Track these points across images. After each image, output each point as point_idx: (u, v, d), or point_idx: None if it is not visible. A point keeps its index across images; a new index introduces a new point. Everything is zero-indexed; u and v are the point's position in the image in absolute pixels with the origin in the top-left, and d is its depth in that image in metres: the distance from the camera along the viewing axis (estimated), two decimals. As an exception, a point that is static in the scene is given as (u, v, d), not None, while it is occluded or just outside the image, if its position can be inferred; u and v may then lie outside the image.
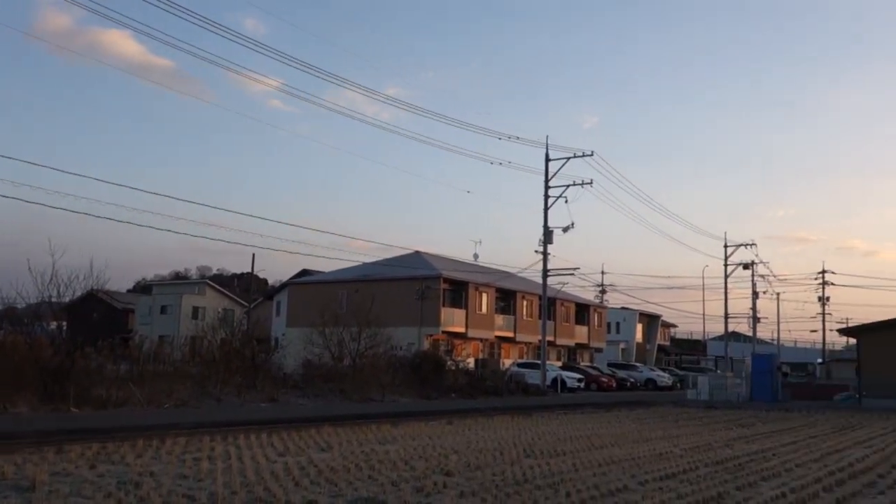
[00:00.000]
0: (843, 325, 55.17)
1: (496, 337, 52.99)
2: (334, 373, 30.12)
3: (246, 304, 57.56)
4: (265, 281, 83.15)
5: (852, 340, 42.48)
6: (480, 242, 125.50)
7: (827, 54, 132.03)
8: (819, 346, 77.07)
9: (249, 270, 55.93)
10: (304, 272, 59.16)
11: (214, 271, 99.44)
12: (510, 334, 53.92)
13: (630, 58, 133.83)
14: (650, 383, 52.13)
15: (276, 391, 25.56)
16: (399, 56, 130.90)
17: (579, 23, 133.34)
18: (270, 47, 60.72)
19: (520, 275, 48.86)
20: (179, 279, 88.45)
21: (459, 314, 49.13)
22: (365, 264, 47.56)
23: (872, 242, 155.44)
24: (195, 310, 62.12)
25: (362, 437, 15.48)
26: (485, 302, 51.55)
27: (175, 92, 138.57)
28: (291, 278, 59.83)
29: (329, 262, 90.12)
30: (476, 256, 54.22)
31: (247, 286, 61.28)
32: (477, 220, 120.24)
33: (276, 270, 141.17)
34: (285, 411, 21.75)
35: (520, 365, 44.35)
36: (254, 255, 50.91)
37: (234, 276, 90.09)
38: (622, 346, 70.29)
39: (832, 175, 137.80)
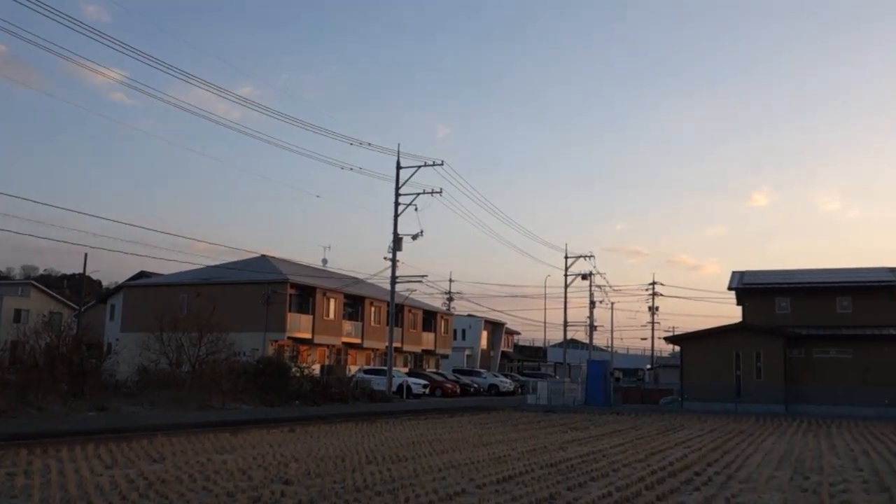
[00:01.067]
0: (670, 334, 58.99)
1: (343, 343, 52.64)
2: (172, 379, 28.87)
3: (76, 306, 54.05)
4: (99, 283, 78.53)
5: (677, 348, 45.44)
6: (330, 248, 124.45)
7: (667, 79, 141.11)
8: (649, 352, 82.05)
9: (81, 271, 52.60)
10: (142, 274, 56.33)
11: (41, 271, 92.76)
12: (358, 340, 53.73)
13: (483, 70, 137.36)
14: (493, 389, 53.51)
15: (106, 399, 24.15)
16: (252, 56, 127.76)
17: (434, 32, 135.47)
18: (111, 36, 57.45)
19: (369, 281, 48.81)
20: (0, 279, 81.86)
21: (306, 320, 48.43)
22: (208, 267, 45.94)
23: (698, 257, 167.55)
24: (17, 313, 57.72)
25: (199, 446, 14.91)
26: (332, 308, 51.10)
27: (2, 76, 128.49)
28: (127, 280, 56.76)
29: (169, 263, 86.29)
30: (325, 262, 53.79)
31: (78, 288, 57.55)
32: (327, 226, 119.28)
33: (111, 272, 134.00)
34: (116, 421, 20.58)
35: (366, 371, 44.29)
36: (86, 254, 48.06)
37: (64, 276, 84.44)
38: (468, 352, 71.75)
39: (665, 193, 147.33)
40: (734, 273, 42.47)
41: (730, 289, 41.29)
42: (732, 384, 36.52)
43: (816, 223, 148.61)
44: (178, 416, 23.24)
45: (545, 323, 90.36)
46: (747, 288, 40.43)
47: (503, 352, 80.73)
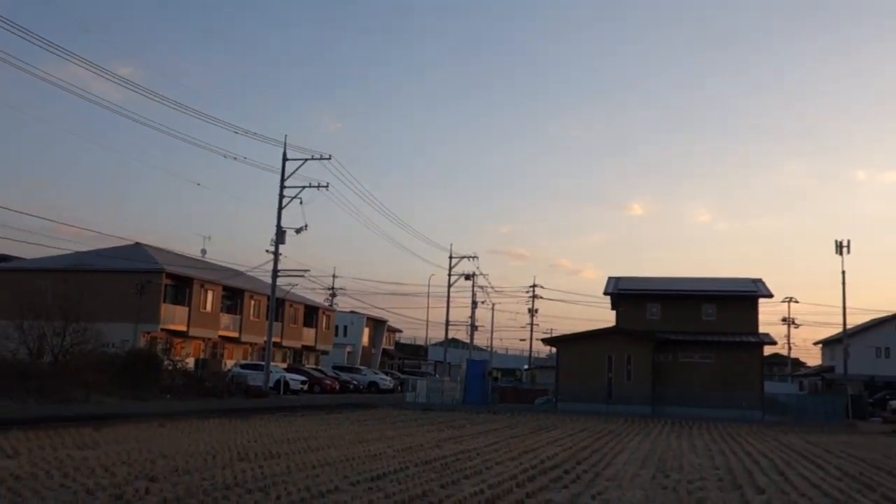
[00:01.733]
0: (548, 335, 60.58)
1: (220, 336, 51.21)
2: (31, 371, 27.23)
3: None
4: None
5: (555, 349, 46.71)
6: (210, 238, 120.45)
7: (555, 88, 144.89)
8: (528, 353, 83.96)
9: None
10: (2, 258, 52.89)
11: None
12: (235, 334, 52.40)
13: (376, 68, 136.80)
14: (373, 386, 53.37)
15: (-45, 391, 22.55)
16: (136, 36, 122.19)
17: (322, 21, 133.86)
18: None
19: (249, 274, 47.69)
20: None
21: (182, 311, 46.80)
22: (77, 253, 43.59)
23: (577, 262, 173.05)
24: None
25: (58, 441, 14.14)
26: (210, 300, 49.62)
27: None
28: (-15, 264, 53.13)
29: (32, 247, 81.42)
30: (204, 252, 52.11)
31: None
32: (208, 216, 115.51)
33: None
34: (-34, 413, 19.24)
35: (243, 366, 43.24)
36: (-62, 235, 44.48)
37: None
38: (349, 349, 71.29)
39: (549, 199, 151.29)
40: (610, 279, 44.06)
41: (605, 294, 42.83)
42: (604, 386, 37.88)
43: (688, 234, 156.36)
44: (37, 409, 21.98)
45: (427, 322, 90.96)
46: (621, 293, 42.04)
47: (384, 349, 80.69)
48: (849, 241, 41.88)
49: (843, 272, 41.99)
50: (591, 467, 13.73)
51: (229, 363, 45.36)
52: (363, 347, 74.26)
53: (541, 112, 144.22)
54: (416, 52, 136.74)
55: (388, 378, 57.30)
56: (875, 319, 65.22)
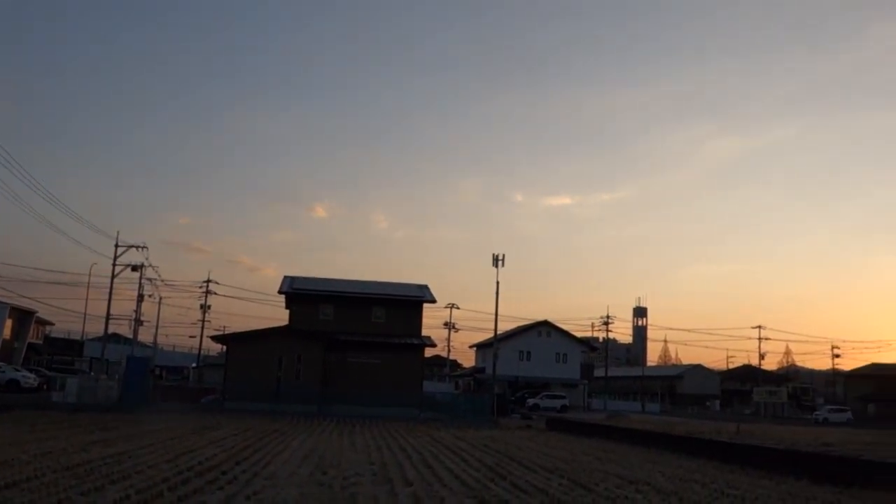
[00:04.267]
0: (220, 333, 58.78)
1: None
2: None
3: None
4: None
5: (225, 347, 45.49)
6: None
7: (254, 84, 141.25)
8: (198, 350, 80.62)
9: None
10: None
11: None
12: None
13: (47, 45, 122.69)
14: (13, 385, 47.47)
15: None
16: None
17: None
18: None
19: None
20: None
21: None
22: None
23: (258, 260, 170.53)
24: None
25: None
26: None
27: None
28: None
29: None
30: None
31: None
32: None
33: None
34: None
35: None
36: None
37: None
38: (-14, 342, 62.67)
39: (234, 193, 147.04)
40: (285, 278, 44.06)
41: (280, 293, 42.73)
42: (273, 385, 37.71)
43: (369, 239, 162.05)
44: None
45: (85, 314, 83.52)
46: (295, 293, 42.25)
47: (31, 343, 72.29)
48: (503, 256, 46.29)
49: (498, 283, 46.33)
50: (251, 467, 13.58)
51: None
52: (4, 340, 65.84)
53: (235, 103, 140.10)
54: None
55: (32, 376, 51.43)
56: (521, 326, 73.05)
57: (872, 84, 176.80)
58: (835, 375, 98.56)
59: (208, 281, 74.65)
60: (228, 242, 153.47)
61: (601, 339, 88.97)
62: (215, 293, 75.48)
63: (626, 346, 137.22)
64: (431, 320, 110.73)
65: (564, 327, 73.06)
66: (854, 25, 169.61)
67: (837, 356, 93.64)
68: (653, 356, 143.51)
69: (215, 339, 43.32)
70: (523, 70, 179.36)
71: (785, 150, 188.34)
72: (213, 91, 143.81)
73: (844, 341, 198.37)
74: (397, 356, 40.54)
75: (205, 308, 75.05)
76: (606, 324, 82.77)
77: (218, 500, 9.90)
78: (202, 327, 75.78)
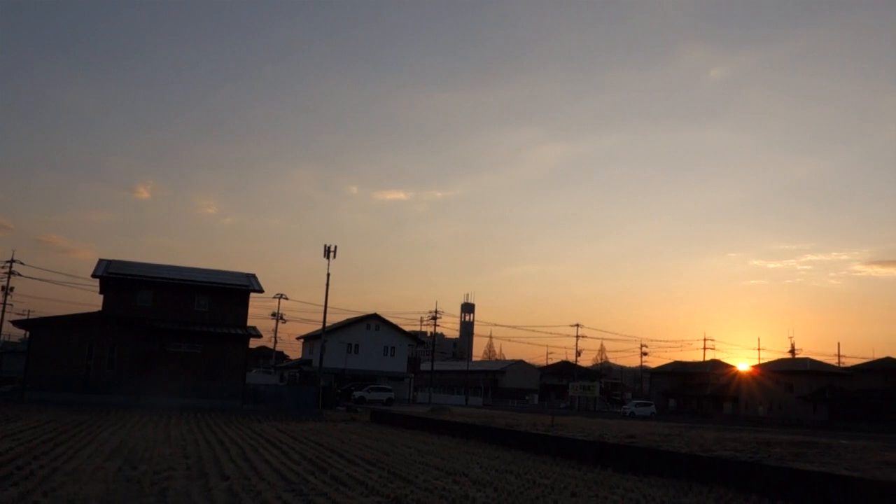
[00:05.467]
0: (24, 318, 54.37)
1: None
2: None
3: None
4: None
5: (28, 333, 42.14)
6: None
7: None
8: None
9: None
10: None
11: None
12: None
13: None
14: None
15: None
16: None
17: None
18: None
19: None
20: None
21: None
22: None
23: (72, 241, 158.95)
24: None
25: None
26: None
27: None
28: None
29: None
30: None
31: None
32: None
33: None
34: None
35: None
36: None
37: None
38: None
39: (46, 168, 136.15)
40: (100, 261, 41.41)
41: (94, 276, 40.10)
42: (83, 374, 35.38)
43: (195, 224, 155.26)
44: None
45: None
46: (111, 277, 39.79)
47: None
48: (335, 247, 45.87)
49: (328, 274, 45.84)
50: (51, 462, 12.65)
51: None
52: None
53: (37, 68, 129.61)
54: None
55: None
56: (350, 319, 72.87)
57: (682, 101, 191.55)
58: (642, 372, 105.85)
59: (11, 261, 68.82)
60: (36, 220, 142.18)
61: (429, 334, 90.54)
62: (19, 274, 69.72)
63: (453, 341, 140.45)
64: (259, 310, 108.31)
65: (394, 321, 73.70)
66: (669, 47, 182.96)
67: (645, 354, 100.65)
68: (478, 351, 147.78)
69: (17, 323, 39.95)
70: (364, 64, 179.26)
71: (605, 157, 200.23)
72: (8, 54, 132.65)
73: (652, 340, 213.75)
74: (220, 346, 39.26)
75: (7, 290, 69.14)
76: (435, 318, 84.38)
77: (10, 498, 9.13)
78: (3, 311, 69.81)
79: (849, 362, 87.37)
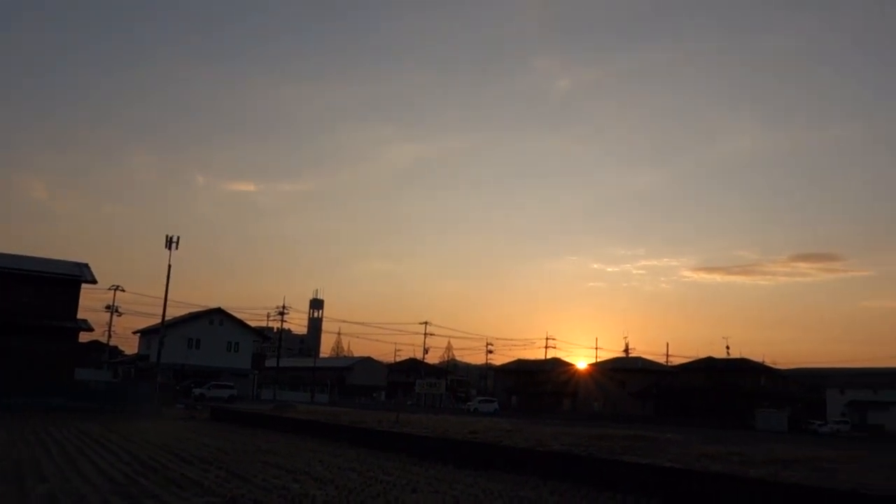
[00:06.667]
0: None
1: None
2: None
3: None
4: None
5: None
6: None
7: None
8: None
9: None
10: None
11: None
12: None
13: None
14: None
15: None
16: None
17: None
18: None
19: None
20: None
21: None
22: None
23: None
24: None
25: None
26: None
27: None
28: None
29: None
30: None
31: None
32: None
33: None
34: None
35: None
36: None
37: None
38: None
39: None
40: None
41: None
42: None
43: (23, 208, 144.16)
44: None
45: None
46: (-78, 263, 36.24)
47: None
48: (178, 238, 43.93)
49: (170, 266, 43.84)
50: None
51: None
52: None
53: None
54: None
55: None
56: (193, 313, 70.09)
57: (532, 109, 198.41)
58: (488, 370, 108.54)
59: None
60: None
61: (276, 330, 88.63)
62: None
63: (301, 338, 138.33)
64: (92, 302, 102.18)
65: (239, 316, 71.60)
66: (521, 56, 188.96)
67: (491, 352, 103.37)
68: (326, 348, 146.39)
69: None
70: (216, 51, 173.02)
71: (457, 159, 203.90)
72: None
73: (498, 339, 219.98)
74: (46, 340, 36.63)
75: None
76: (282, 314, 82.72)
77: None
78: None
79: (676, 361, 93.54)
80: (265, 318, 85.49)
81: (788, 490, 10.46)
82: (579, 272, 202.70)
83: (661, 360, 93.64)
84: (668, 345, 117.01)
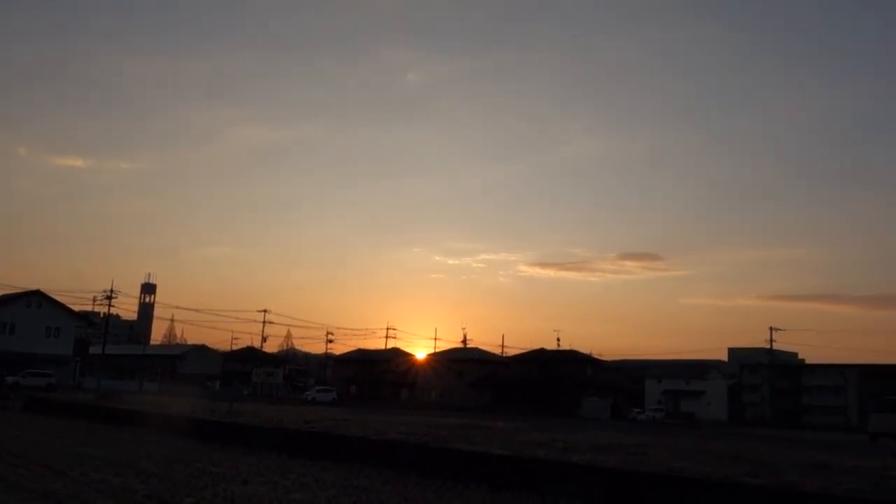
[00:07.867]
0: None
1: None
2: None
3: None
4: None
5: None
6: None
7: None
8: None
9: None
10: None
11: None
12: None
13: None
14: None
15: None
16: None
17: None
18: None
19: None
20: None
21: None
22: None
23: None
24: None
25: None
26: None
27: None
28: None
29: None
30: None
31: None
32: None
33: None
34: None
35: None
36: None
37: None
38: None
39: None
40: None
41: None
42: None
43: None
44: None
45: None
46: None
47: None
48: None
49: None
50: None
51: None
52: None
53: None
54: None
55: None
56: (7, 295, 65.03)
57: (381, 99, 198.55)
58: (327, 359, 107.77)
59: None
60: None
61: (102, 315, 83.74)
62: None
63: (131, 324, 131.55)
64: None
65: (61, 299, 67.04)
66: (371, 45, 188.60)
67: (331, 341, 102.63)
68: (158, 335, 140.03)
69: None
70: (46, 14, 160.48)
71: (304, 146, 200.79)
72: None
73: (338, 328, 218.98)
74: None
75: None
76: (110, 298, 78.26)
77: None
78: None
79: (511, 352, 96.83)
80: (91, 302, 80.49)
81: (609, 473, 11.19)
82: (421, 264, 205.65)
83: (498, 350, 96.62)
84: (503, 336, 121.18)
